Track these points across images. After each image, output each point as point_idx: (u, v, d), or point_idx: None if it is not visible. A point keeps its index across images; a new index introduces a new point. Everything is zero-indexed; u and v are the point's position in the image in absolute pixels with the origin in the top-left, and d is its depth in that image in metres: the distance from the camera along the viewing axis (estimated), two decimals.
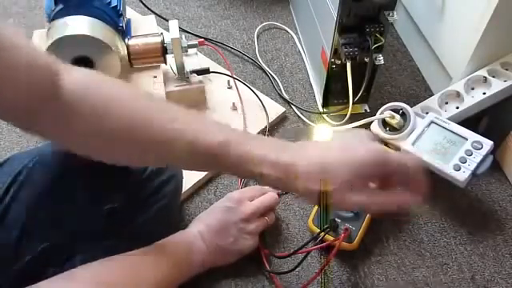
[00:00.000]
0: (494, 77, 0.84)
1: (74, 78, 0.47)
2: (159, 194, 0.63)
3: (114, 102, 0.48)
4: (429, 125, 0.80)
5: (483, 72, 0.85)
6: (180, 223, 0.77)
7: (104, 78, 0.50)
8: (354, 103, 0.87)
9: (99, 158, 0.50)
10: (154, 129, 0.48)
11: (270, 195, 0.72)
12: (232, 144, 0.48)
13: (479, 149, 0.76)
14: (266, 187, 0.73)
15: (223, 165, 0.49)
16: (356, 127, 0.86)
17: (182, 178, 0.69)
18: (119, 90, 0.50)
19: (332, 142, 0.55)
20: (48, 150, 0.60)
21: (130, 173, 0.60)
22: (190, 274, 0.61)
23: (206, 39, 1.07)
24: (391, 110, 0.83)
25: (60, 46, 0.79)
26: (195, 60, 0.95)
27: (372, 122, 0.84)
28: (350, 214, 0.73)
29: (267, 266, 0.72)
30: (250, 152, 0.48)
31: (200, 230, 0.65)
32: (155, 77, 0.92)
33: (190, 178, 0.81)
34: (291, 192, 0.54)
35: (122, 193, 0.58)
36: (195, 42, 0.91)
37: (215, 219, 0.67)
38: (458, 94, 0.85)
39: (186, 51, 0.90)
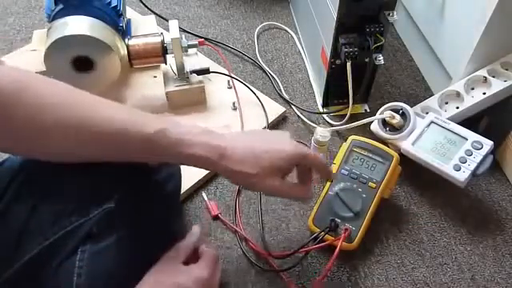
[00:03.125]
0: (493, 77, 0.84)
1: (5, 77, 0.47)
2: (159, 194, 0.63)
3: (49, 98, 0.50)
4: (429, 125, 0.80)
5: (483, 72, 0.85)
6: (180, 223, 0.78)
7: (34, 74, 0.51)
8: (353, 103, 0.87)
9: (33, 155, 0.53)
10: (96, 122, 0.51)
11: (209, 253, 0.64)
12: (167, 131, 0.52)
13: (479, 149, 0.76)
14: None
15: (159, 151, 0.53)
16: (356, 127, 0.86)
17: (180, 177, 0.69)
18: (52, 86, 0.51)
19: (261, 133, 0.65)
20: None
21: (129, 173, 0.60)
22: None
23: (206, 39, 1.07)
24: (391, 110, 0.83)
25: (60, 46, 0.79)
26: (195, 60, 0.95)
27: (372, 121, 0.84)
28: (350, 214, 0.73)
29: (267, 265, 0.72)
30: (183, 135, 0.53)
31: None
32: (155, 77, 0.92)
33: (190, 178, 0.81)
34: (218, 172, 0.57)
35: (122, 193, 0.58)
36: (195, 42, 0.90)
37: None
38: (458, 94, 0.85)
39: (186, 51, 0.90)
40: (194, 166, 0.56)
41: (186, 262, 0.61)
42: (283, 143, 0.59)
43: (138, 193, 0.60)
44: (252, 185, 0.57)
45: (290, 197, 0.67)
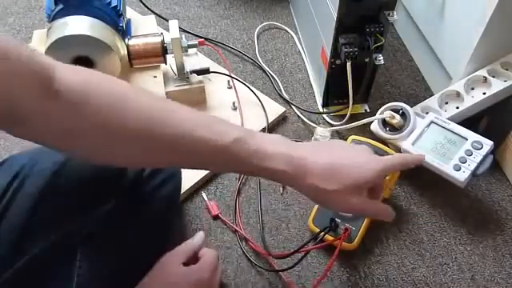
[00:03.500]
0: (493, 77, 0.84)
1: (72, 76, 0.45)
2: (158, 194, 0.63)
3: (121, 102, 0.46)
4: (429, 125, 0.80)
5: (483, 72, 0.85)
6: (179, 224, 0.78)
7: (103, 76, 0.48)
8: (353, 103, 0.87)
9: (100, 160, 0.49)
10: (171, 128, 0.47)
11: (209, 256, 0.64)
12: (245, 140, 0.49)
13: (479, 149, 0.76)
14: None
15: (235, 162, 0.49)
16: (356, 127, 0.86)
17: (180, 177, 0.69)
18: (123, 89, 0.48)
19: (342, 147, 0.58)
20: (47, 150, 0.60)
21: (129, 173, 0.60)
22: None
23: (206, 39, 1.07)
24: (391, 110, 0.83)
25: (60, 46, 0.79)
26: (195, 60, 0.95)
27: (372, 121, 0.84)
28: (350, 214, 0.73)
29: (267, 265, 0.72)
30: (262, 147, 0.49)
31: None
32: (155, 77, 0.92)
33: (190, 178, 0.81)
34: (295, 188, 0.53)
35: (122, 193, 0.58)
36: (195, 42, 0.90)
37: None
38: (458, 94, 0.85)
39: (186, 51, 0.90)
40: (271, 179, 0.53)
41: (187, 263, 0.61)
42: (368, 159, 0.54)
43: (137, 193, 0.60)
44: (334, 203, 0.53)
45: (375, 216, 0.62)
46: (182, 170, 0.69)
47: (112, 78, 0.48)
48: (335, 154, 0.53)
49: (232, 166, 0.51)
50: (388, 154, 0.77)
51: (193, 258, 0.63)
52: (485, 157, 0.75)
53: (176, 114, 0.49)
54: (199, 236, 0.65)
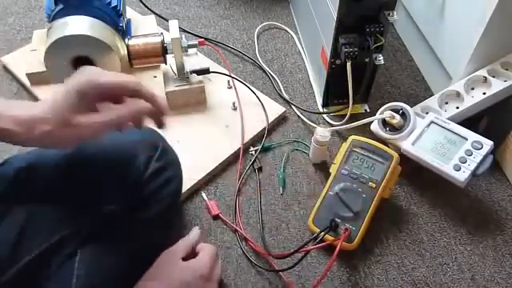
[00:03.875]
0: (494, 77, 0.84)
1: None
2: (159, 195, 0.63)
3: None
4: (429, 125, 0.80)
5: (483, 72, 0.85)
6: (180, 224, 0.78)
7: None
8: (354, 103, 0.87)
9: None
10: None
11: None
12: None
13: (479, 149, 0.76)
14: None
15: None
16: (356, 127, 0.86)
17: (182, 179, 0.69)
18: None
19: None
20: (48, 151, 0.60)
21: (130, 174, 0.60)
22: None
23: (206, 39, 1.07)
24: (391, 110, 0.83)
25: (60, 46, 0.79)
26: (195, 60, 0.95)
27: (372, 121, 0.84)
28: (350, 214, 0.73)
29: (267, 265, 0.72)
30: None
31: None
32: (155, 77, 0.92)
33: (190, 178, 0.81)
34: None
35: (122, 194, 0.58)
36: (195, 42, 0.90)
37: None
38: (458, 94, 0.85)
39: (186, 51, 0.90)
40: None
41: (185, 259, 0.61)
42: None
43: (137, 194, 0.60)
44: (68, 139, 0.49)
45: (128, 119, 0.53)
46: (183, 170, 0.69)
47: None
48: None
49: None
50: (388, 153, 0.77)
51: (191, 254, 0.64)
52: (485, 157, 0.75)
53: None
54: (195, 231, 0.67)
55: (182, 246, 0.64)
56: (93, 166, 0.58)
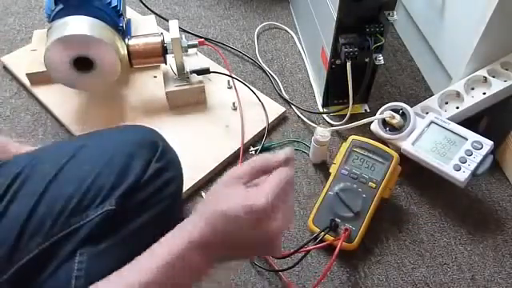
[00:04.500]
0: (494, 77, 0.84)
1: None
2: (160, 195, 0.63)
3: None
4: (429, 125, 0.80)
5: (483, 72, 0.85)
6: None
7: None
8: (353, 103, 0.87)
9: None
10: None
11: (282, 172, 0.50)
12: None
13: (479, 149, 0.76)
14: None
15: None
16: (356, 127, 0.86)
17: (182, 179, 0.69)
18: None
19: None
20: (48, 151, 0.60)
21: (130, 174, 0.60)
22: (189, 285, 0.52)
23: (206, 39, 1.07)
24: (391, 109, 0.83)
25: (60, 46, 0.79)
26: (195, 60, 0.95)
27: (372, 121, 0.84)
28: (350, 214, 0.73)
29: (267, 265, 0.72)
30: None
31: (204, 241, 0.47)
32: (155, 77, 0.92)
33: (190, 178, 0.81)
34: None
35: (122, 194, 0.58)
36: (195, 42, 0.90)
37: (224, 230, 0.47)
38: (458, 94, 0.85)
39: (186, 51, 0.90)
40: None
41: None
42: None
43: (137, 194, 0.60)
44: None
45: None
46: (183, 170, 0.69)
47: None
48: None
49: None
50: (388, 153, 0.77)
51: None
52: (485, 157, 0.75)
53: None
54: (284, 152, 0.50)
55: (249, 166, 0.50)
56: (92, 166, 0.58)
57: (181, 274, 0.47)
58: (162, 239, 0.50)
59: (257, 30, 1.14)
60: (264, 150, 0.89)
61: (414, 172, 0.82)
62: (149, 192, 0.61)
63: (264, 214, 0.45)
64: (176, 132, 0.87)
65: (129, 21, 0.97)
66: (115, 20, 0.86)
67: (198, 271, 0.48)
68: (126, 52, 0.85)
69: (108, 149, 0.60)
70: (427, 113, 0.83)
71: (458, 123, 0.80)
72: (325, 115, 0.95)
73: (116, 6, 0.87)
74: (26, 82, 0.96)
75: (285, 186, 0.48)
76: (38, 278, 0.53)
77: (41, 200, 0.55)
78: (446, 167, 0.75)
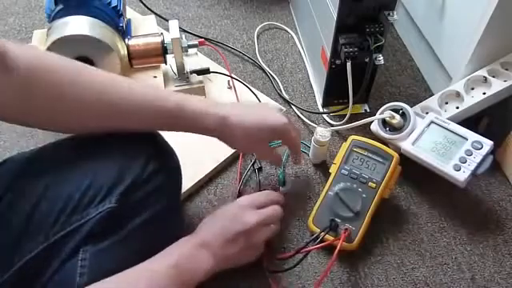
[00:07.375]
0: (494, 77, 0.84)
1: (23, 52, 0.50)
2: (159, 194, 0.63)
3: (75, 76, 0.54)
4: (429, 125, 0.80)
5: (483, 72, 0.85)
6: (180, 223, 0.78)
7: (49, 54, 0.55)
8: (354, 103, 0.87)
9: (56, 128, 0.58)
10: (122, 94, 0.56)
11: (274, 208, 0.71)
12: (184, 105, 0.60)
13: (479, 149, 0.76)
14: (273, 193, 0.76)
15: (179, 123, 0.61)
16: (356, 127, 0.86)
17: (181, 178, 0.69)
18: (67, 64, 0.55)
19: (253, 106, 0.76)
20: (48, 150, 0.60)
21: (129, 173, 0.60)
22: (193, 284, 0.61)
23: (206, 39, 1.07)
24: (391, 109, 0.83)
25: (60, 46, 0.79)
26: (195, 60, 0.95)
27: (372, 121, 0.84)
28: (350, 214, 0.73)
29: (267, 266, 0.72)
30: (197, 109, 0.61)
31: (205, 240, 0.63)
32: (155, 77, 0.92)
33: (190, 178, 0.81)
34: (224, 142, 0.67)
35: (123, 193, 0.58)
36: (195, 42, 0.91)
37: (222, 228, 0.65)
38: (458, 94, 0.85)
39: (186, 51, 0.90)
40: (204, 134, 0.64)
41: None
42: (269, 117, 0.69)
43: (138, 193, 0.60)
44: (246, 149, 0.78)
45: (268, 159, 0.82)
46: (183, 170, 0.69)
47: (58, 57, 0.54)
48: (247, 112, 0.68)
49: (177, 126, 0.62)
50: (388, 153, 0.77)
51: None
52: (485, 157, 0.75)
53: (125, 84, 0.58)
54: (289, 185, 0.80)
55: (251, 198, 0.71)
56: (91, 166, 0.58)
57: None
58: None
59: (257, 30, 1.14)
60: None
61: (414, 172, 0.82)
62: (148, 190, 0.61)
63: (250, 234, 0.66)
64: (176, 132, 0.87)
65: (129, 21, 0.97)
66: (115, 20, 0.86)
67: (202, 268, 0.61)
68: (125, 52, 0.85)
69: (107, 147, 0.60)
70: (427, 113, 0.83)
71: (458, 123, 0.80)
72: (325, 115, 0.95)
73: (116, 6, 0.87)
74: None
75: (271, 216, 0.69)
76: (40, 276, 0.53)
77: (41, 199, 0.55)
78: (446, 167, 0.75)
